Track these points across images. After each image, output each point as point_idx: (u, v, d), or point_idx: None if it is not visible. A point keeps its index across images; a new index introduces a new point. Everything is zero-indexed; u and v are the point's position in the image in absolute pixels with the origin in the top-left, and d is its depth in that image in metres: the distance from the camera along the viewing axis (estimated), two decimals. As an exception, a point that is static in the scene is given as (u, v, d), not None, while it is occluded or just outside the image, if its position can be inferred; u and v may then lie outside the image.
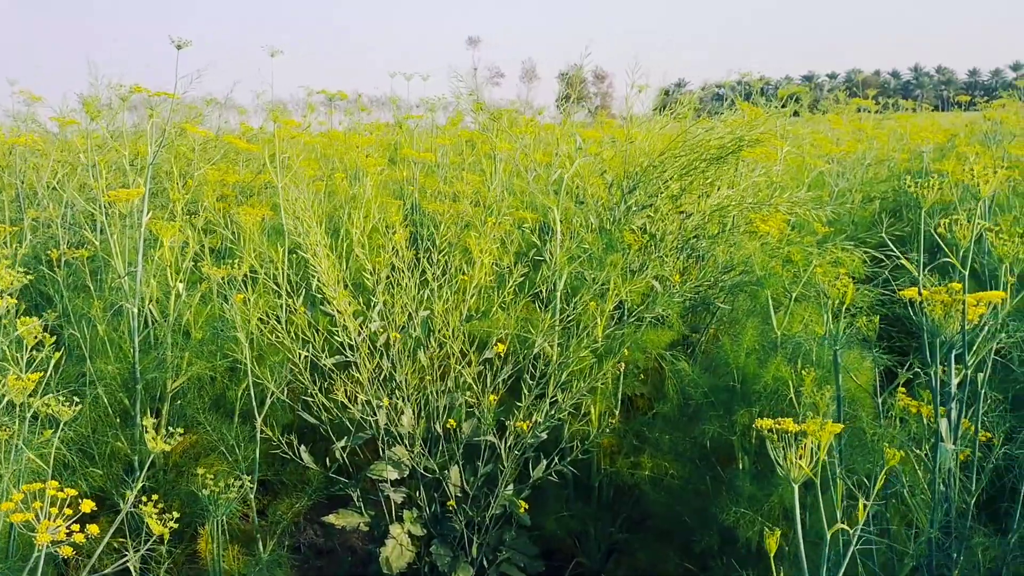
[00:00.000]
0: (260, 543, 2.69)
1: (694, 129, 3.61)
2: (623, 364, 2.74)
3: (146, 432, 1.62)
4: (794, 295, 2.82)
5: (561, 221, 3.13)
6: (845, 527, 1.52)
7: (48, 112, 4.24)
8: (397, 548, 2.61)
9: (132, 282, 2.99)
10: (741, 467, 2.68)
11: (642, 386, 3.22)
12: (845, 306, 1.97)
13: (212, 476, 2.05)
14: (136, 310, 2.98)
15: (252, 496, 2.70)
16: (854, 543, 1.53)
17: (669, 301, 3.03)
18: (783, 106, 4.71)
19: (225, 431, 2.82)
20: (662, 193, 3.53)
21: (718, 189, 3.60)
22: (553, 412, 2.66)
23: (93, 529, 1.46)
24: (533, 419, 2.63)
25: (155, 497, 1.72)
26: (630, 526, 3.14)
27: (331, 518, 2.71)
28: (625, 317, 3.11)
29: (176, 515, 1.54)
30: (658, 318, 3.22)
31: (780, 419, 1.41)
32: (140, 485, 1.63)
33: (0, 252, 3.33)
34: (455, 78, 3.49)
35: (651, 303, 3.12)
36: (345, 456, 2.73)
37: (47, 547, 1.44)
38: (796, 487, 1.44)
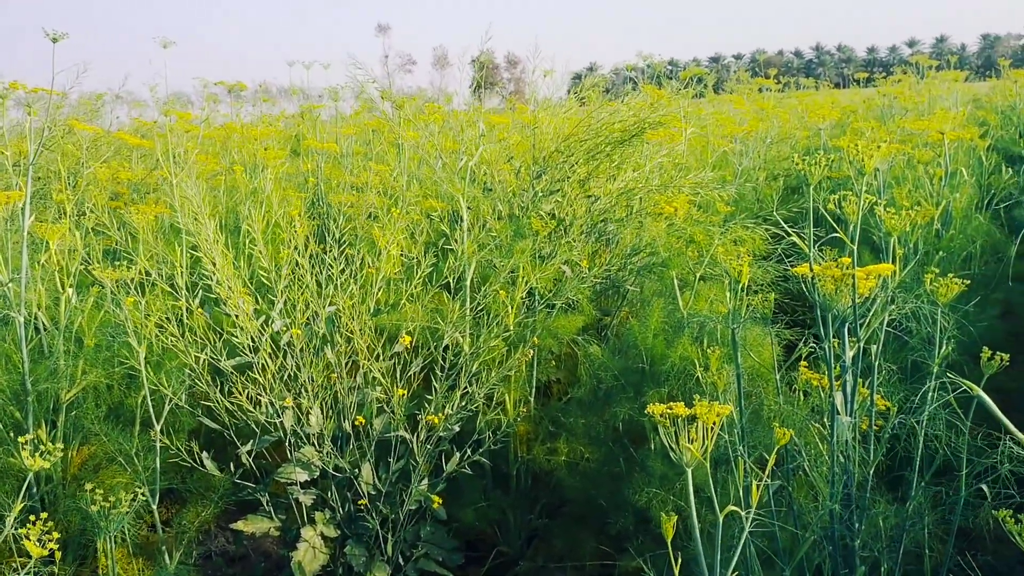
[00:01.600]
0: (166, 555, 2.58)
1: (599, 112, 3.62)
2: (533, 352, 2.73)
3: (23, 449, 1.52)
4: (699, 275, 2.86)
5: (469, 209, 3.09)
6: (736, 509, 1.53)
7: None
8: (310, 551, 2.55)
9: (17, 288, 2.83)
10: (652, 448, 2.71)
11: (556, 372, 3.22)
12: (745, 284, 1.99)
13: (103, 491, 1.95)
14: (22, 318, 2.82)
15: (155, 507, 2.60)
16: (747, 525, 1.55)
17: (579, 286, 3.03)
18: (686, 87, 4.77)
19: (123, 441, 2.70)
20: (569, 178, 3.53)
21: (624, 172, 3.62)
22: (465, 403, 2.63)
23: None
24: (445, 411, 2.60)
25: (43, 516, 1.63)
26: (549, 512, 3.14)
27: (239, 525, 2.62)
28: (536, 304, 3.10)
29: (56, 535, 1.45)
30: (569, 303, 3.22)
31: (671, 403, 1.41)
32: (21, 505, 1.53)
33: None
34: (354, 66, 3.40)
35: (561, 289, 3.11)
36: (252, 460, 2.64)
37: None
38: (690, 471, 1.44)
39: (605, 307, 3.52)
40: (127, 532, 2.31)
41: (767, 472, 1.55)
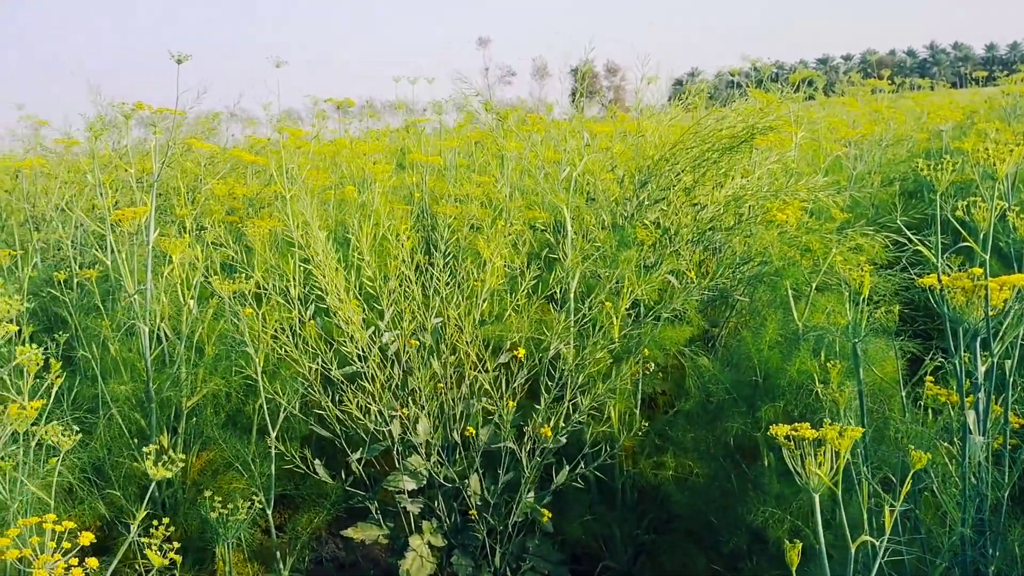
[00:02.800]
0: (279, 560, 2.65)
1: (705, 119, 3.54)
2: (649, 366, 2.67)
3: (147, 458, 1.58)
4: (815, 284, 2.74)
5: (573, 219, 3.07)
6: (870, 539, 1.45)
7: (54, 134, 4.24)
8: (417, 560, 2.57)
9: (142, 300, 2.97)
10: (767, 464, 2.61)
11: (662, 384, 3.15)
12: (865, 295, 1.89)
13: (220, 496, 2.01)
14: (147, 328, 2.96)
15: (269, 513, 2.67)
16: (881, 555, 1.46)
17: (686, 296, 2.95)
18: (796, 91, 4.63)
19: (240, 448, 2.79)
20: (675, 186, 3.46)
21: (732, 179, 3.52)
22: (573, 415, 2.60)
23: (92, 563, 1.41)
24: (553, 423, 2.58)
25: (166, 521, 1.69)
26: (656, 527, 3.07)
27: (349, 532, 2.67)
28: (642, 315, 3.04)
29: (176, 545, 1.50)
30: (676, 314, 3.15)
31: (797, 424, 1.34)
32: (144, 513, 1.58)
33: (8, 277, 3.33)
34: (459, 80, 3.44)
35: (667, 299, 3.05)
36: (361, 468, 2.69)
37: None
38: (817, 496, 1.37)
39: (712, 318, 3.42)
40: (243, 538, 2.38)
41: (902, 495, 1.46)
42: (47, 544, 1.43)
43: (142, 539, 1.51)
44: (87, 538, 1.49)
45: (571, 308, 2.92)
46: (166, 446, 3.07)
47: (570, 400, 2.61)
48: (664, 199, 3.42)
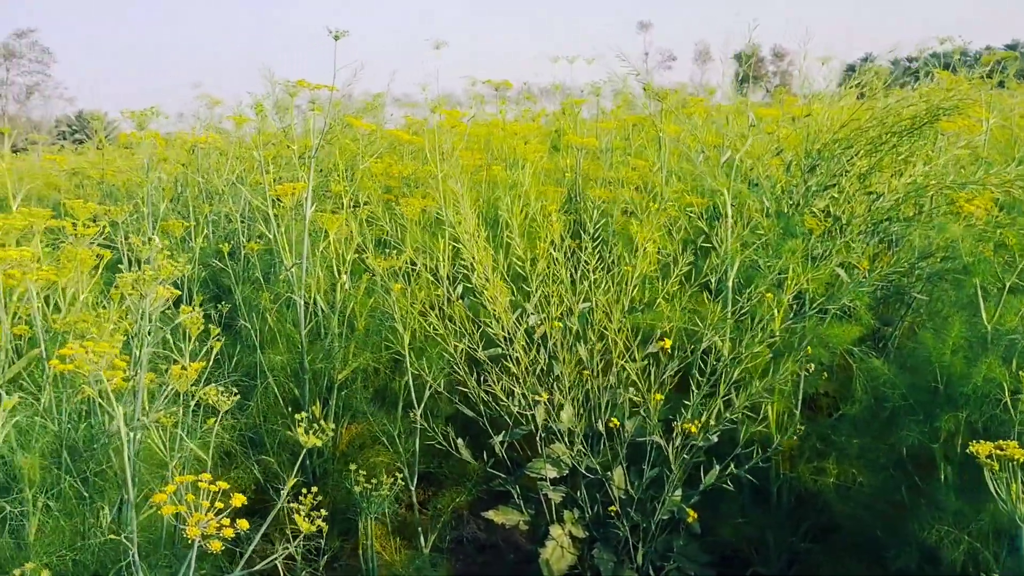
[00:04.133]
0: (421, 537, 2.66)
1: (884, 100, 3.26)
2: (810, 365, 2.48)
3: (299, 426, 1.58)
4: (1008, 284, 2.46)
5: (732, 205, 2.90)
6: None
7: (228, 113, 4.45)
8: (558, 550, 2.50)
9: (299, 273, 3.05)
10: (943, 478, 2.37)
11: (826, 385, 2.93)
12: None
13: (366, 470, 2.01)
14: (303, 301, 3.03)
15: (412, 489, 2.68)
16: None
17: (857, 291, 2.72)
18: (989, 75, 4.21)
19: (387, 422, 2.82)
20: (848, 172, 3.20)
21: (913, 166, 3.23)
22: (726, 413, 2.45)
23: (243, 524, 1.43)
24: (703, 420, 2.44)
25: (314, 490, 1.69)
26: (813, 536, 2.87)
27: (491, 514, 2.63)
28: (806, 309, 2.84)
29: (324, 513, 1.49)
30: (843, 310, 2.92)
31: (1002, 443, 1.16)
32: (294, 480, 1.59)
33: (181, 246, 3.51)
34: (620, 59, 3.31)
35: (836, 293, 2.83)
36: (504, 451, 2.65)
37: (198, 541, 1.43)
38: (1030, 525, 1.18)
39: (885, 316, 3.16)
40: (387, 512, 2.39)
41: None
42: (201, 503, 1.46)
43: (291, 505, 1.51)
44: (239, 500, 1.50)
45: (728, 298, 2.76)
46: (317, 416, 3.15)
47: (724, 396, 2.46)
48: (835, 185, 3.17)
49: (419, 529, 2.70)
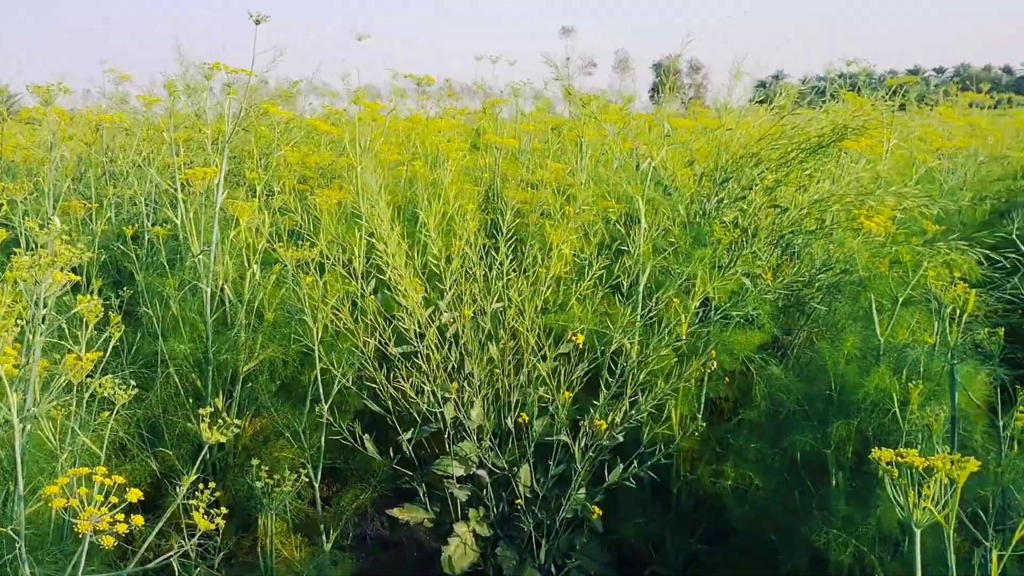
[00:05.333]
0: (323, 534, 2.62)
1: (793, 117, 3.38)
2: (712, 365, 2.55)
3: (202, 421, 1.54)
4: (901, 299, 2.58)
5: (646, 212, 2.96)
6: None
7: (136, 91, 4.28)
8: (461, 547, 2.50)
9: (207, 261, 2.96)
10: (835, 484, 2.47)
11: (727, 389, 3.02)
12: (969, 312, 1.75)
13: (269, 464, 1.97)
14: (209, 289, 2.95)
15: (316, 485, 2.64)
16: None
17: (760, 300, 2.82)
18: (890, 97, 4.41)
19: (292, 417, 2.77)
20: (756, 185, 3.31)
21: (817, 182, 3.36)
22: (632, 413, 2.50)
23: (138, 520, 1.38)
24: (610, 419, 2.48)
25: (212, 485, 1.65)
26: (710, 538, 2.95)
27: (395, 512, 2.62)
28: (711, 315, 2.92)
29: (223, 510, 1.45)
30: (746, 318, 3.01)
31: (903, 451, 1.21)
32: (195, 476, 1.55)
33: (82, 229, 3.37)
34: (545, 62, 3.34)
35: (741, 301, 2.92)
36: (411, 448, 2.63)
37: (90, 536, 1.37)
38: (919, 533, 1.24)
39: (785, 325, 3.27)
40: (288, 509, 2.34)
41: (1014, 541, 1.32)
42: (95, 497, 1.40)
43: (190, 501, 1.47)
44: (135, 494, 1.45)
45: (639, 302, 2.81)
46: (220, 409, 3.06)
47: (630, 397, 2.51)
48: (744, 198, 3.27)
49: (321, 526, 2.66)
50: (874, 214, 3.08)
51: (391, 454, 2.63)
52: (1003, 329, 2.61)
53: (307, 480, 2.16)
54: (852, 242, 2.91)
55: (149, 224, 3.66)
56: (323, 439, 2.64)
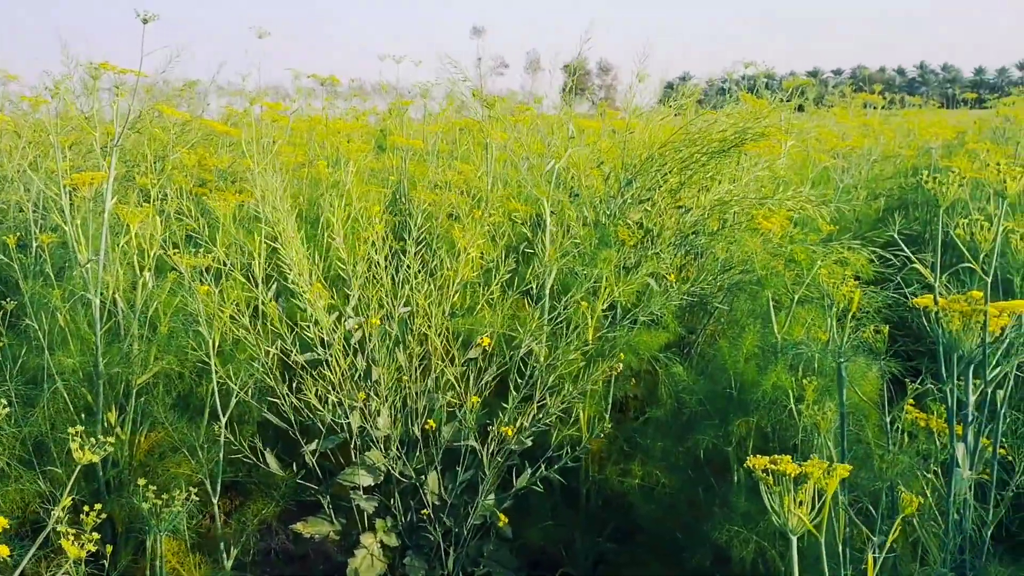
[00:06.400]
0: (224, 552, 2.53)
1: (696, 121, 3.44)
2: (618, 365, 2.57)
3: (72, 440, 1.45)
4: (797, 297, 2.65)
5: (553, 214, 2.96)
6: None
7: (24, 91, 4.07)
8: (368, 559, 2.45)
9: (95, 269, 2.83)
10: (736, 480, 2.52)
11: (634, 389, 3.06)
12: (854, 310, 1.80)
13: (163, 480, 1.89)
14: (98, 300, 2.81)
15: (216, 500, 2.54)
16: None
17: (665, 301, 2.86)
18: (788, 99, 4.54)
19: (188, 431, 2.66)
20: (660, 187, 3.36)
21: (719, 183, 3.43)
22: (541, 416, 2.49)
23: (3, 551, 1.29)
24: (519, 423, 2.47)
25: (98, 507, 1.56)
26: (619, 537, 2.98)
27: (299, 527, 2.55)
28: (618, 317, 2.94)
29: (96, 536, 1.38)
30: (652, 318, 3.05)
31: (776, 457, 1.23)
32: (68, 501, 1.46)
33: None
34: (449, 63, 3.30)
35: (646, 302, 2.95)
36: (316, 460, 2.57)
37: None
38: (795, 539, 1.26)
39: (689, 324, 3.33)
40: (186, 527, 2.25)
41: (889, 540, 1.36)
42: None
43: (60, 528, 1.38)
44: (1, 523, 1.36)
45: (546, 305, 2.81)
46: (113, 423, 2.92)
47: (539, 400, 2.51)
48: (649, 199, 3.31)
49: (222, 544, 2.57)
50: (771, 215, 3.16)
51: (295, 467, 2.56)
52: (888, 326, 2.72)
53: (200, 498, 2.07)
54: (751, 242, 2.98)
55: (37, 231, 3.48)
56: (221, 454, 2.55)
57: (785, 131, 4.27)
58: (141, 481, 1.77)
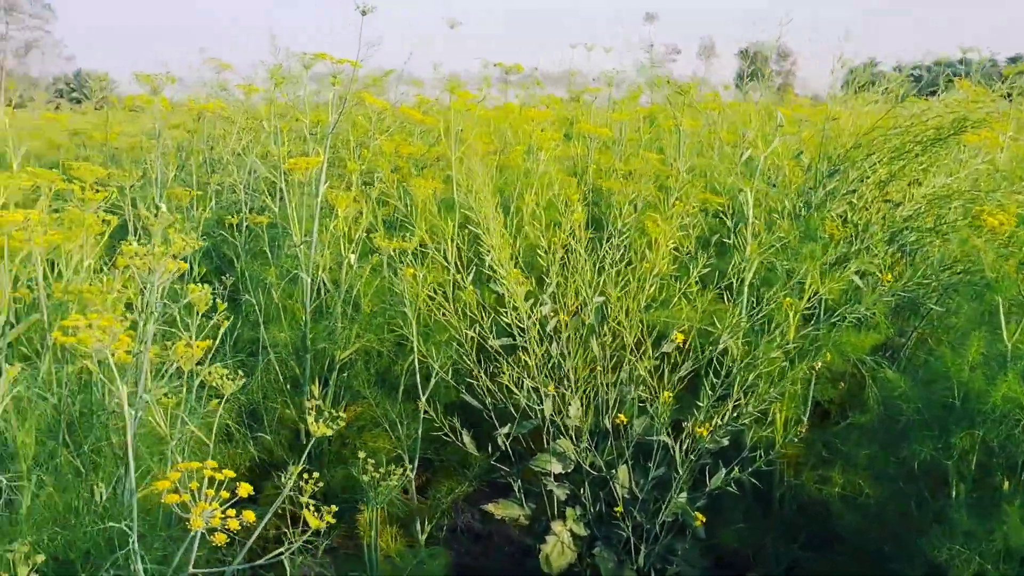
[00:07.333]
0: (417, 525, 2.61)
1: (909, 107, 3.21)
2: (816, 364, 2.44)
3: (308, 413, 1.52)
4: (1031, 302, 2.42)
5: (755, 205, 2.85)
6: None
7: (236, 80, 4.36)
8: (558, 546, 2.46)
9: (307, 250, 2.98)
10: (956, 495, 2.33)
11: (834, 391, 2.90)
12: None
13: (364, 453, 1.96)
14: (310, 279, 2.97)
15: (412, 476, 2.63)
16: None
17: (876, 299, 2.68)
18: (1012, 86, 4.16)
19: (389, 407, 2.77)
20: (867, 179, 3.16)
21: (932, 176, 3.19)
22: (736, 416, 2.41)
23: (249, 516, 1.37)
24: (713, 423, 2.40)
25: (315, 476, 1.64)
26: (814, 545, 2.84)
27: (491, 507, 2.59)
28: (820, 314, 2.80)
29: (333, 509, 1.44)
30: (858, 318, 2.88)
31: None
32: (300, 468, 1.54)
33: (185, 216, 3.44)
34: (640, 49, 3.25)
35: (854, 300, 2.79)
36: (508, 443, 2.60)
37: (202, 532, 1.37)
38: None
39: (899, 326, 3.12)
40: (394, 502, 2.34)
41: None
42: (205, 491, 1.40)
43: (301, 499, 1.46)
44: (245, 489, 1.45)
45: (744, 302, 2.71)
46: (317, 396, 3.09)
47: (736, 400, 2.42)
48: (855, 191, 3.13)
49: (416, 518, 2.65)
50: (997, 211, 2.90)
51: (488, 449, 2.60)
52: None
53: (406, 473, 2.14)
54: (976, 240, 2.75)
55: (247, 212, 3.72)
56: (420, 430, 2.63)
57: (1005, 120, 3.92)
58: (361, 455, 1.85)
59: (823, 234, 2.87)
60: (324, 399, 3.06)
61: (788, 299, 2.52)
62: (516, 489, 2.63)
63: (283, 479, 1.64)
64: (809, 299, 2.58)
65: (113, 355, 1.67)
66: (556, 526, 2.48)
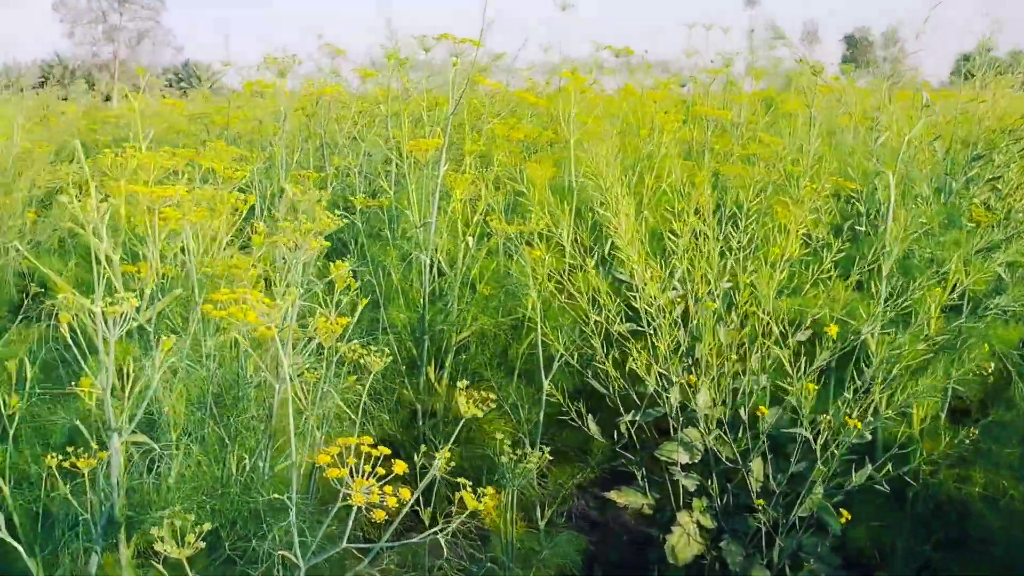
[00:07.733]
0: (540, 510, 2.59)
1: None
2: (973, 364, 2.30)
3: (460, 394, 1.52)
4: None
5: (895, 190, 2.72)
6: None
7: (349, 65, 4.40)
8: (684, 537, 2.40)
9: (426, 232, 2.99)
10: (1121, 503, 2.18)
11: (980, 388, 2.74)
12: None
13: (509, 442, 1.94)
14: (428, 261, 2.98)
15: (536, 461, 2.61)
16: None
17: (1025, 291, 2.53)
18: None
19: (509, 390, 2.75)
20: (1013, 164, 2.98)
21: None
22: (880, 409, 2.30)
23: (405, 494, 1.36)
24: (854, 416, 2.29)
25: (448, 454, 1.63)
26: (947, 545, 2.70)
27: (613, 495, 2.55)
28: (964, 306, 2.65)
29: (491, 490, 1.43)
30: (1002, 311, 2.72)
31: None
32: (447, 453, 1.53)
33: (310, 196, 3.49)
34: (773, 33, 3.14)
35: (996, 292, 2.63)
36: (633, 431, 2.55)
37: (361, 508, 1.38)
38: None
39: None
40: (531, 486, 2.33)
41: None
42: (362, 467, 1.40)
43: (459, 480, 1.45)
44: (400, 467, 1.44)
45: (882, 292, 2.59)
46: (433, 378, 3.10)
47: (879, 394, 2.31)
48: (1000, 177, 2.95)
49: (537, 503, 2.63)
50: None
51: (614, 436, 2.56)
52: None
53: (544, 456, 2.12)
54: None
55: (361, 194, 3.76)
56: (542, 415, 2.61)
57: None
58: (498, 436, 1.83)
59: (968, 221, 2.72)
60: (439, 381, 3.07)
61: (936, 289, 2.39)
62: (639, 478, 2.58)
63: (415, 458, 1.64)
64: (953, 289, 2.45)
65: (259, 329, 1.70)
66: (682, 517, 2.42)
